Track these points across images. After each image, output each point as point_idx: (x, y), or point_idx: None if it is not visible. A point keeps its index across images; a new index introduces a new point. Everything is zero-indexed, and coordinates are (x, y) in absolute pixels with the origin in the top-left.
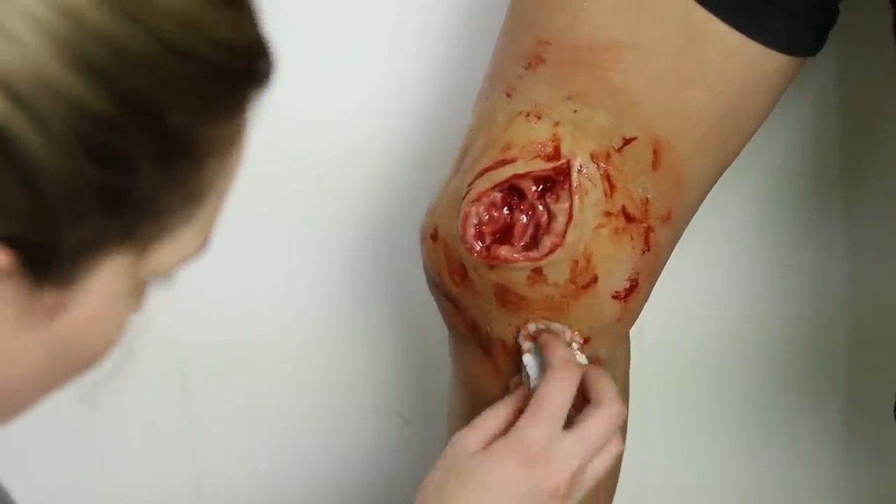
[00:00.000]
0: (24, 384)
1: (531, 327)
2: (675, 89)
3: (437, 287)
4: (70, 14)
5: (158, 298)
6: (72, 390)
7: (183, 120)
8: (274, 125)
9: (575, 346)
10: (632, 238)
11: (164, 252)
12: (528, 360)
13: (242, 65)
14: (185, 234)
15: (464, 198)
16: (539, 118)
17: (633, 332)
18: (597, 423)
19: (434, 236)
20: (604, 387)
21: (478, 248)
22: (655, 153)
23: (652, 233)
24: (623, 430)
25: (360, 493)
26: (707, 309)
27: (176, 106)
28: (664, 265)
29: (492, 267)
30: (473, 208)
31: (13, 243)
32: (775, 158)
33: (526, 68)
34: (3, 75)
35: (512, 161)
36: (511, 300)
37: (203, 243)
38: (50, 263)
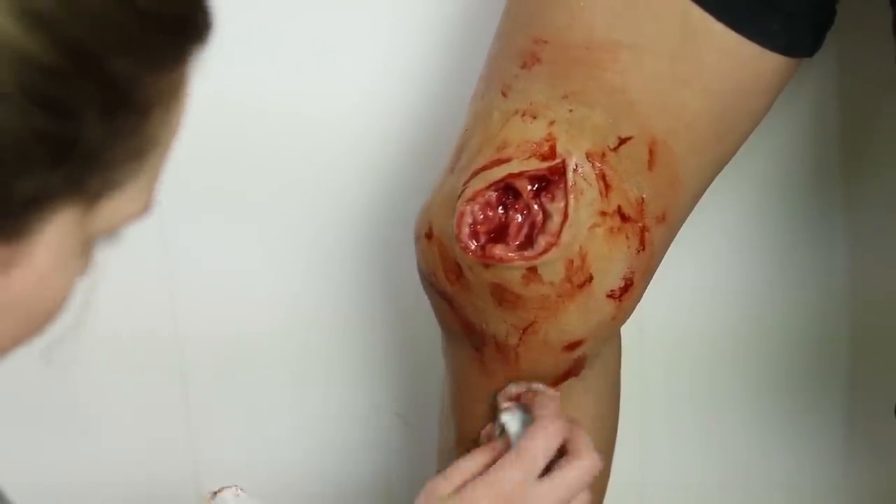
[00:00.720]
0: None
1: (512, 388)
2: (671, 89)
3: (431, 286)
4: None
5: (158, 298)
6: (73, 394)
7: (125, 68)
8: (269, 124)
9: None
10: (627, 237)
11: (111, 208)
12: (508, 418)
13: (180, 14)
14: (132, 189)
15: (459, 197)
16: (535, 117)
17: (633, 330)
18: (573, 472)
19: (429, 235)
20: (582, 440)
21: (473, 247)
22: (651, 153)
23: (647, 232)
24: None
25: (359, 493)
26: (708, 307)
27: (118, 54)
28: (659, 264)
29: (487, 266)
30: (468, 207)
31: None
32: (776, 157)
33: (522, 67)
34: None
35: (507, 160)
36: (508, 299)
37: (148, 201)
38: (1, 218)
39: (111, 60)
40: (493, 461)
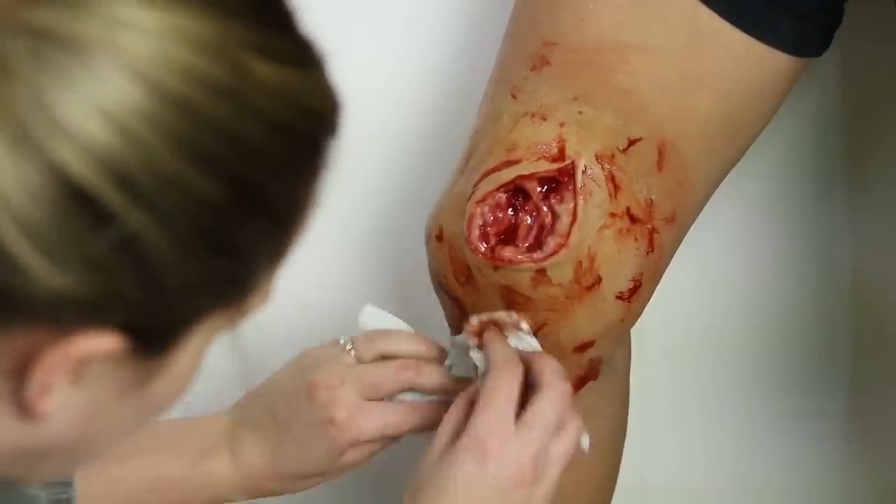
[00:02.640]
0: (112, 438)
1: (474, 320)
2: (680, 90)
3: (441, 287)
4: (183, 107)
5: None
6: None
7: (283, 193)
8: None
9: (525, 329)
10: (636, 239)
11: (247, 307)
12: (476, 355)
13: (328, 128)
14: (263, 291)
15: (469, 198)
16: (544, 119)
17: (633, 329)
18: (542, 404)
19: (439, 237)
20: (544, 368)
21: (482, 249)
22: (660, 154)
23: (656, 234)
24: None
25: (359, 493)
26: (709, 306)
27: (279, 181)
28: (667, 265)
29: (496, 268)
30: (478, 209)
31: (125, 329)
32: (779, 155)
33: (531, 69)
34: (123, 172)
35: (517, 162)
36: (517, 301)
37: (270, 293)
38: (155, 340)
39: (273, 189)
40: (471, 405)
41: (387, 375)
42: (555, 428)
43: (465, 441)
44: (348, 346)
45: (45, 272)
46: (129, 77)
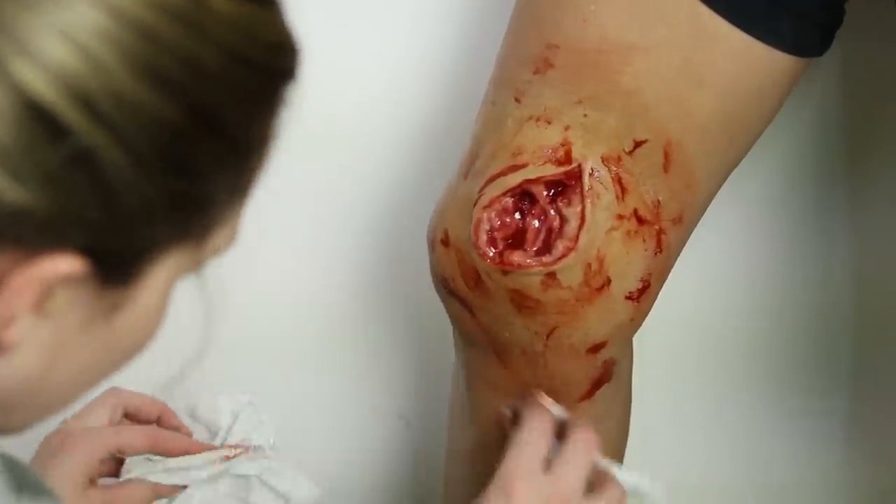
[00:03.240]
0: (77, 380)
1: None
2: (684, 91)
3: (450, 293)
4: (144, 31)
5: None
6: None
7: (240, 122)
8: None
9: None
10: (644, 240)
11: (211, 245)
12: None
13: (285, 63)
14: (230, 225)
15: (475, 204)
16: (549, 123)
17: None
18: (569, 451)
19: (445, 241)
20: (574, 423)
21: (491, 254)
22: (666, 155)
23: (664, 234)
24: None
25: (360, 494)
26: (709, 306)
27: (237, 110)
28: (674, 265)
29: (505, 273)
30: (485, 214)
31: (86, 252)
32: (779, 155)
33: (534, 73)
34: (83, 92)
35: (523, 166)
36: (527, 305)
37: (236, 233)
38: (117, 267)
39: (230, 117)
40: None
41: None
42: (582, 474)
43: (494, 484)
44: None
45: (5, 187)
46: (92, 2)
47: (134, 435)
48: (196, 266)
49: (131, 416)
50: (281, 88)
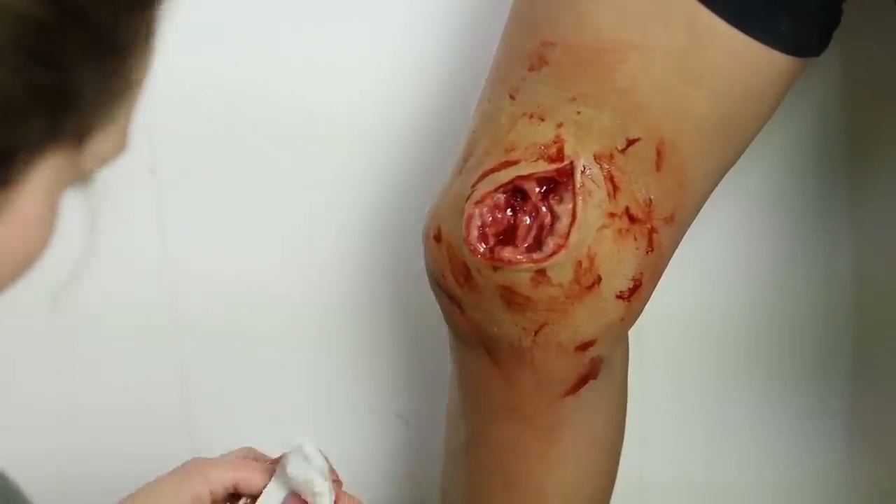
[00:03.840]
0: None
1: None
2: (679, 90)
3: (440, 288)
4: None
5: (158, 297)
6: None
7: (109, 14)
8: (275, 125)
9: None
10: (635, 239)
11: (91, 152)
12: None
13: None
14: (110, 132)
15: (467, 199)
16: (542, 120)
17: (633, 328)
18: None
19: (437, 237)
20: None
21: (481, 249)
22: (659, 154)
23: (655, 233)
24: None
25: (359, 494)
26: (709, 305)
27: (104, 4)
28: (667, 265)
29: (495, 268)
30: (477, 210)
31: None
32: (779, 154)
33: (529, 70)
34: None
35: (515, 163)
36: (516, 301)
37: (124, 142)
38: None
39: (96, 7)
40: None
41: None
42: None
43: None
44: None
45: None
46: None
47: (255, 473)
48: (82, 176)
49: None
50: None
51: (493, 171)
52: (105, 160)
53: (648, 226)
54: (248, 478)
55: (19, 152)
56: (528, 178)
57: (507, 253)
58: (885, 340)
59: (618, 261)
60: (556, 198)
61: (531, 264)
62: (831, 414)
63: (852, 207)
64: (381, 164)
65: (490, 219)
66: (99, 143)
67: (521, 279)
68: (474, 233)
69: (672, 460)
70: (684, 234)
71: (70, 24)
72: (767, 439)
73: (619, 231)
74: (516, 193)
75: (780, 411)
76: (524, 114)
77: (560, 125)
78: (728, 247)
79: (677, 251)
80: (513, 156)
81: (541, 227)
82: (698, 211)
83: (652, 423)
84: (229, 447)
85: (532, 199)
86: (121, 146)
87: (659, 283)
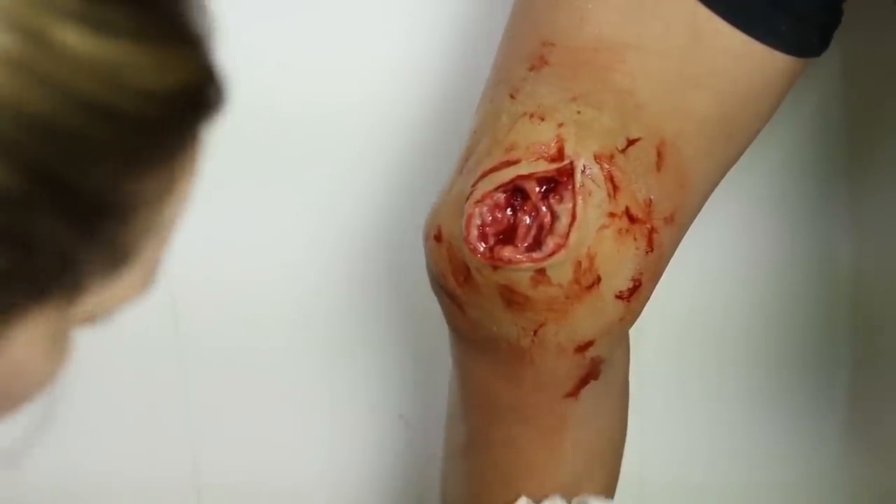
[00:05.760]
0: None
1: None
2: (679, 90)
3: (441, 288)
4: None
5: (159, 297)
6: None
7: (101, 182)
8: (277, 124)
9: None
10: (635, 239)
11: (95, 299)
12: None
13: (178, 112)
14: (121, 279)
15: (467, 198)
16: (543, 119)
17: (633, 328)
18: None
19: (437, 237)
20: None
21: (481, 249)
22: (659, 154)
23: (655, 233)
24: None
25: (360, 494)
26: (709, 306)
27: (92, 169)
28: (667, 265)
29: (495, 268)
30: (477, 209)
31: None
32: (780, 155)
33: (530, 70)
34: None
35: (515, 162)
36: (516, 300)
37: (146, 283)
38: None
39: (84, 178)
40: None
41: None
42: None
43: None
44: None
45: None
46: None
47: None
48: (80, 319)
49: None
50: (172, 140)
51: (493, 170)
52: (123, 300)
53: (648, 226)
54: None
55: None
56: (528, 177)
57: (506, 252)
58: (885, 341)
59: (618, 261)
60: (556, 197)
61: (531, 264)
62: (831, 414)
63: (852, 207)
64: (381, 164)
65: (490, 218)
66: (111, 289)
67: (521, 279)
68: (474, 232)
69: (672, 460)
70: (684, 234)
71: (45, 198)
72: (767, 439)
73: (619, 231)
74: (516, 193)
75: (780, 411)
76: (524, 113)
77: (560, 125)
78: (728, 247)
79: (677, 251)
80: (513, 155)
81: (541, 227)
82: (699, 211)
83: (652, 423)
84: (229, 446)
85: (532, 199)
86: (143, 284)
87: (660, 285)
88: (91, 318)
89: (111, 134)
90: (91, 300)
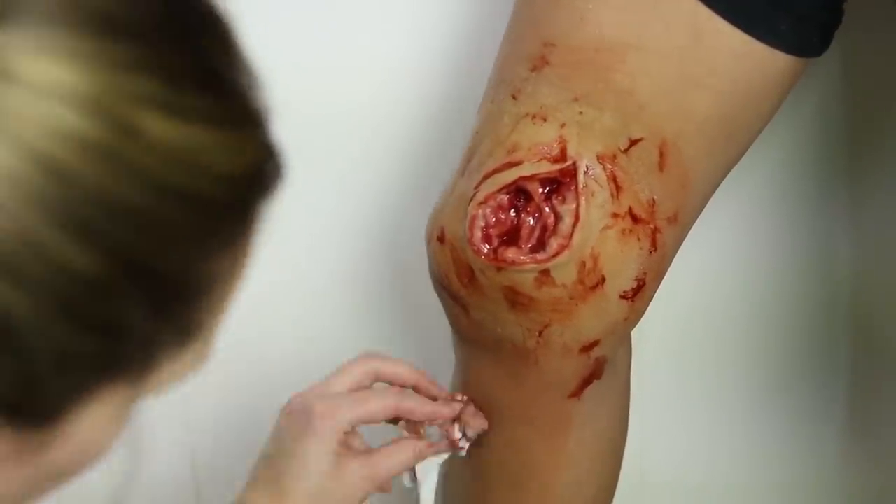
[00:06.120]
0: (11, 499)
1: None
2: (680, 90)
3: (444, 289)
4: (54, 170)
5: None
6: None
7: (180, 265)
8: (274, 126)
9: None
10: (639, 239)
11: (163, 374)
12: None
13: (248, 192)
14: (182, 358)
15: (470, 200)
16: (545, 120)
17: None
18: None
19: (441, 238)
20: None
21: (485, 250)
22: (661, 154)
23: (658, 233)
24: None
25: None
26: (709, 306)
27: (173, 253)
28: (670, 265)
29: (499, 269)
30: (480, 211)
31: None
32: (780, 155)
33: (531, 70)
34: None
35: (518, 163)
36: (520, 301)
37: (202, 360)
38: (36, 415)
39: (165, 262)
40: None
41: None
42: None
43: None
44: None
45: None
46: None
47: (376, 405)
48: (143, 395)
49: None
50: (245, 219)
51: (496, 171)
52: (183, 375)
53: (652, 226)
54: (374, 413)
55: (71, 398)
56: (531, 178)
57: (510, 253)
58: (885, 341)
59: (621, 261)
60: (560, 198)
61: (535, 265)
62: (831, 414)
63: (852, 207)
64: (384, 165)
65: (493, 219)
66: (170, 368)
67: (525, 280)
68: (478, 234)
69: (672, 460)
70: (687, 233)
71: (129, 283)
72: (767, 439)
73: (623, 231)
74: (519, 194)
75: (780, 411)
76: (526, 114)
77: (563, 125)
78: (729, 246)
79: (678, 252)
80: (515, 156)
81: (544, 228)
82: (701, 210)
83: (652, 423)
84: (229, 446)
85: (535, 200)
86: (199, 363)
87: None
88: (153, 391)
89: (191, 217)
90: (159, 375)
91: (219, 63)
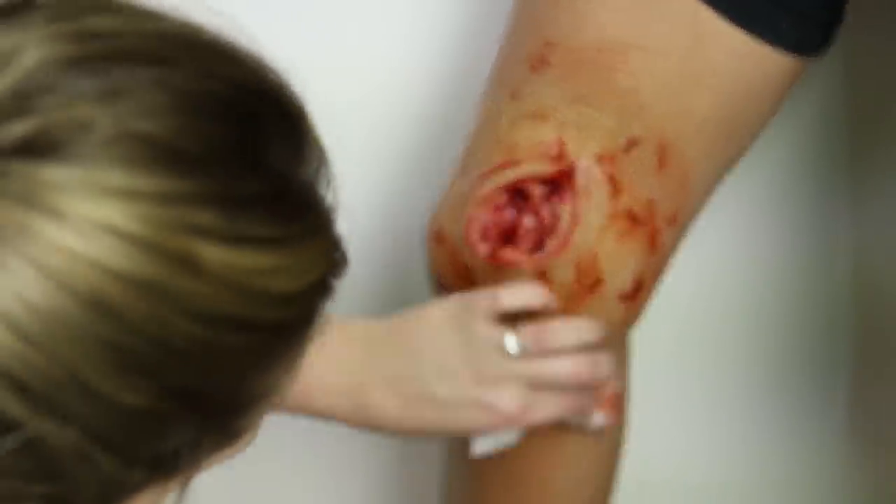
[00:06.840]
0: None
1: None
2: (681, 90)
3: (442, 289)
4: (101, 307)
5: None
6: None
7: (233, 386)
8: None
9: None
10: (637, 239)
11: (206, 466)
12: None
13: (310, 304)
14: (226, 452)
15: (469, 200)
16: (544, 120)
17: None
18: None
19: (439, 238)
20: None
21: (483, 250)
22: (661, 154)
23: (657, 234)
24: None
25: (361, 493)
26: (709, 305)
27: (226, 377)
28: (669, 265)
29: (497, 269)
30: (479, 211)
31: None
32: (781, 154)
33: (531, 70)
34: (20, 378)
35: (517, 163)
36: None
37: (250, 441)
38: None
39: (216, 389)
40: None
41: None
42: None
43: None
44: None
45: None
46: (36, 271)
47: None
48: (188, 478)
49: None
50: (303, 331)
51: (494, 171)
52: (229, 457)
53: (650, 226)
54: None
55: (115, 500)
56: (529, 178)
57: (508, 253)
58: (886, 340)
59: (620, 262)
60: (558, 199)
61: (533, 265)
62: (831, 413)
63: (853, 207)
64: (382, 164)
65: (492, 220)
66: (217, 458)
67: (523, 280)
68: (476, 234)
69: (672, 459)
70: (686, 234)
71: (175, 412)
72: (767, 439)
73: (621, 232)
74: (518, 194)
75: (780, 411)
76: (525, 114)
77: (562, 125)
78: (729, 246)
79: (677, 252)
80: (514, 156)
81: (542, 228)
82: (700, 211)
83: (651, 422)
84: None
85: (534, 200)
86: (244, 447)
87: (660, 284)
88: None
89: (247, 342)
90: (202, 467)
91: (286, 169)
